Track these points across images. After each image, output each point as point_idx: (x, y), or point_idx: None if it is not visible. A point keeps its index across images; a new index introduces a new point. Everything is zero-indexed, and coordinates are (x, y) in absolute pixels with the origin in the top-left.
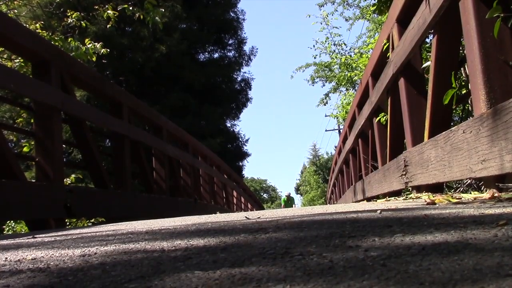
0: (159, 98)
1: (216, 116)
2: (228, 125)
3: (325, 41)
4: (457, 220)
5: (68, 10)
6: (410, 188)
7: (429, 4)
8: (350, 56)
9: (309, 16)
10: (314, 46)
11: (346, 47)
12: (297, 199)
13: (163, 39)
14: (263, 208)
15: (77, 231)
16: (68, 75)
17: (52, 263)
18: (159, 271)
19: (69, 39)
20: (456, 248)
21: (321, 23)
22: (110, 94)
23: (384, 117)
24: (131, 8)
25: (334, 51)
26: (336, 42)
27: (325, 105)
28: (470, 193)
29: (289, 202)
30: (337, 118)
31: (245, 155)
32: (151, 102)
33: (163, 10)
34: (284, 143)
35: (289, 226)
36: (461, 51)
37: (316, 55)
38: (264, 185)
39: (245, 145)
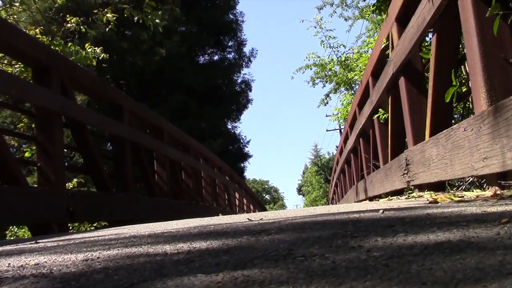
0: (159, 100)
1: (217, 118)
2: (229, 126)
3: (320, 44)
4: (460, 218)
5: (68, 15)
6: (412, 187)
7: (428, 3)
8: (349, 55)
9: (302, 21)
10: (307, 57)
11: (345, 48)
12: (300, 199)
13: (163, 42)
14: (265, 210)
15: (80, 235)
16: (68, 80)
17: (55, 268)
18: (161, 275)
19: (69, 44)
20: (459, 247)
21: (315, 27)
22: (111, 97)
23: (384, 115)
24: (130, 8)
25: (330, 55)
26: (331, 45)
27: (325, 105)
28: (472, 191)
29: None
30: (338, 119)
31: (246, 156)
32: (151, 105)
33: (160, 11)
34: (285, 144)
35: (292, 227)
36: (460, 49)
37: (311, 64)
38: (266, 186)
39: (247, 147)
